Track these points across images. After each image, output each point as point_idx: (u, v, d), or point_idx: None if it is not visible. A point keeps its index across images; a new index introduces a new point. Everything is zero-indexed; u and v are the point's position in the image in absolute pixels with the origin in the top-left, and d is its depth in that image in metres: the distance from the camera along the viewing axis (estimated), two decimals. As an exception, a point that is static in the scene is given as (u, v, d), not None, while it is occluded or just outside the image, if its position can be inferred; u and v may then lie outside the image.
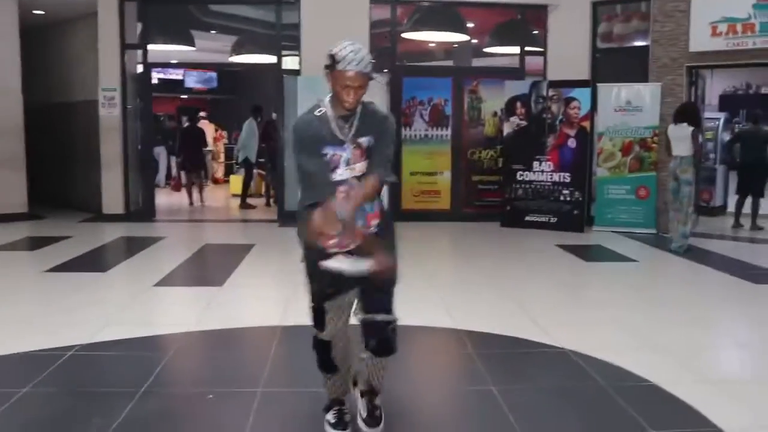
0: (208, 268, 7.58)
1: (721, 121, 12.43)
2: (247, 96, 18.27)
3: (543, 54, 11.13)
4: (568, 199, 9.97)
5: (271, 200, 13.11)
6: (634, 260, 7.92)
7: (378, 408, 3.24)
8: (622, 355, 4.38)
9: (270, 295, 6.22)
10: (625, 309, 5.86)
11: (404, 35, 11.34)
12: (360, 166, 2.94)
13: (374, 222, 2.96)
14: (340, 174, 2.91)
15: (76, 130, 11.85)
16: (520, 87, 10.48)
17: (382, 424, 3.20)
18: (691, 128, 8.12)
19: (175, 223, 10.76)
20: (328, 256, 2.83)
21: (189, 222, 11.22)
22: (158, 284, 6.39)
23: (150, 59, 11.21)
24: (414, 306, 4.83)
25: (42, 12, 11.59)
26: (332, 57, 2.80)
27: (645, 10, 10.20)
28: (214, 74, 20.08)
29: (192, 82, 19.85)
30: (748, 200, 10.18)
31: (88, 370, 4.19)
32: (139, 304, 5.78)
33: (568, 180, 9.95)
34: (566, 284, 6.95)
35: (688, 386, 3.87)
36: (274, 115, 13.37)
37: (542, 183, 10.13)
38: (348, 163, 2.92)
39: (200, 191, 13.51)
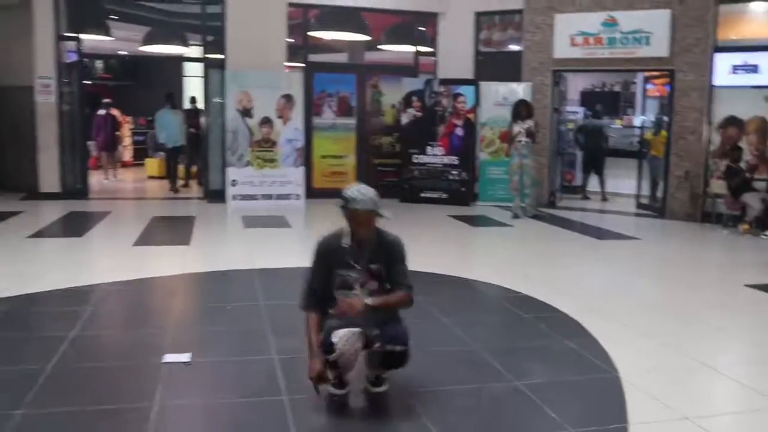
0: (169, 233, 8.97)
1: (581, 113, 14.80)
2: (149, 84, 19.14)
3: (434, 54, 13.06)
4: (457, 178, 11.95)
5: (189, 181, 14.31)
6: (510, 225, 9.96)
7: (383, 377, 3.72)
8: (504, 281, 6.37)
9: (233, 251, 7.84)
10: (503, 255, 8.05)
11: (313, 34, 12.86)
12: (372, 286, 3.53)
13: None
14: (356, 293, 3.51)
15: (5, 114, 12.57)
16: (415, 83, 12.37)
17: (386, 385, 3.73)
18: None
19: (111, 201, 11.85)
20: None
21: (123, 200, 12.36)
22: (136, 244, 7.81)
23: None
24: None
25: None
26: (345, 198, 3.42)
27: (518, 21, 12.26)
28: (116, 62, 20.75)
29: (97, 69, 20.50)
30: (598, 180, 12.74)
31: (124, 297, 5.71)
32: (131, 257, 7.24)
33: (456, 162, 11.92)
34: (459, 242, 9.00)
35: (546, 295, 5.88)
36: (192, 104, 14.54)
37: (434, 165, 12.04)
38: (362, 285, 3.52)
39: (114, 170, 15.09)
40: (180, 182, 13.70)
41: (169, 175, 13.58)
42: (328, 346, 3.42)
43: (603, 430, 3.42)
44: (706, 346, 4.84)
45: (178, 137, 13.49)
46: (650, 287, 6.59)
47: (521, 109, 10.48)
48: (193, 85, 17.56)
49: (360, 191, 3.44)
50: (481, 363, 4.28)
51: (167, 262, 7.05)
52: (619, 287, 6.62)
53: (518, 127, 10.38)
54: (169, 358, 4.14)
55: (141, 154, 18.18)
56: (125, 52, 17.30)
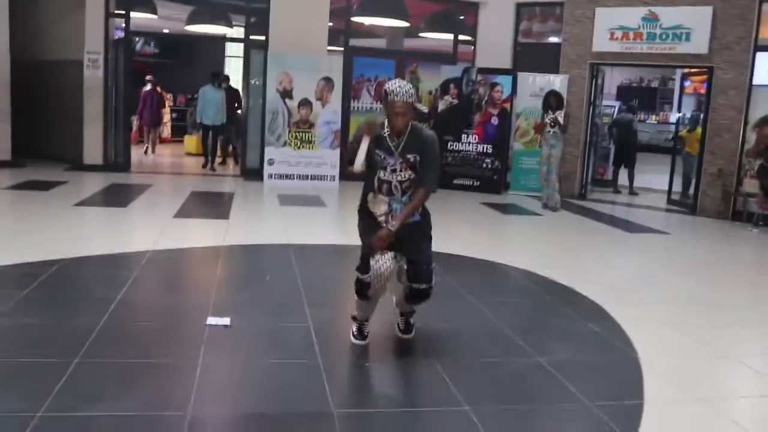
0: (209, 207, 9.30)
1: (616, 108, 14.83)
2: (189, 62, 19.48)
3: (473, 43, 13.18)
4: (490, 166, 12.10)
5: (227, 158, 14.61)
6: (540, 215, 10.10)
7: (411, 324, 4.32)
8: (532, 266, 6.54)
9: (270, 226, 8.13)
10: (532, 243, 8.22)
11: (355, 19, 13.04)
12: (403, 174, 3.88)
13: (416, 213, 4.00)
14: (385, 175, 3.89)
15: (53, 87, 12.95)
16: (453, 71, 12.51)
17: (413, 333, 4.33)
18: None
19: (151, 175, 12.17)
20: (378, 223, 3.93)
21: (162, 174, 12.69)
22: (176, 216, 8.12)
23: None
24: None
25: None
26: (385, 92, 3.78)
27: (559, 14, 12.32)
28: (158, 40, 21.12)
29: (139, 47, 20.90)
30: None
31: (167, 264, 6.02)
32: (172, 228, 7.53)
33: (490, 151, 12.06)
34: (490, 228, 9.19)
35: (573, 282, 6.03)
36: (225, 83, 14.68)
37: (468, 152, 12.20)
38: (394, 171, 3.86)
39: (154, 145, 15.53)
40: (217, 160, 13.92)
41: (205, 152, 13.57)
42: (364, 266, 3.92)
43: (619, 404, 3.59)
44: (728, 337, 4.97)
45: (218, 115, 13.54)
46: (676, 280, 6.70)
47: (551, 100, 10.53)
48: (234, 65, 17.91)
49: (398, 84, 3.78)
50: (506, 339, 4.48)
51: (207, 234, 7.34)
52: (645, 278, 6.75)
53: (547, 118, 10.47)
54: (212, 320, 4.40)
55: (178, 130, 18.56)
56: (167, 30, 17.59)
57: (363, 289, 3.98)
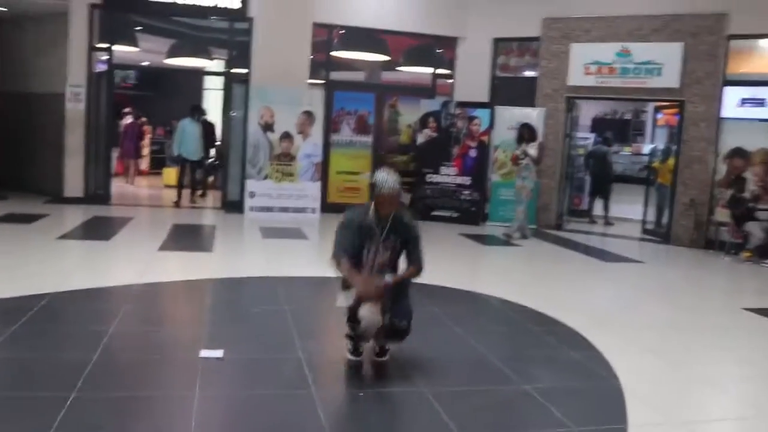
0: (192, 240, 9.35)
1: (592, 139, 15.14)
2: (168, 95, 19.55)
3: (451, 77, 13.45)
4: (468, 198, 12.30)
5: (206, 191, 14.63)
6: (519, 245, 10.29)
7: (386, 349, 4.57)
8: (513, 296, 6.70)
9: (254, 259, 8.21)
10: (512, 273, 8.43)
11: (336, 53, 13.24)
12: (383, 255, 4.32)
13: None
14: (369, 256, 4.31)
15: (35, 120, 12.98)
16: (432, 105, 12.76)
17: (387, 356, 4.56)
18: None
19: (132, 207, 12.19)
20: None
21: (143, 207, 12.74)
22: (161, 249, 8.18)
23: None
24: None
25: (4, 9, 12.70)
26: (372, 184, 4.25)
27: (535, 48, 12.63)
28: (138, 72, 21.19)
29: (119, 79, 20.97)
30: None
31: (156, 297, 6.08)
32: (158, 261, 7.60)
33: (468, 183, 12.27)
34: (470, 259, 9.36)
35: (553, 310, 6.20)
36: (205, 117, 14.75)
37: (447, 185, 12.40)
38: (376, 252, 4.30)
39: (134, 176, 15.79)
40: (198, 192, 13.92)
41: (179, 187, 13.27)
42: (354, 317, 4.25)
43: (604, 429, 3.74)
44: (705, 361, 5.16)
45: (198, 149, 13.48)
46: (653, 307, 6.89)
47: (524, 132, 10.79)
48: (213, 98, 18.03)
49: (385, 178, 4.20)
50: (493, 368, 4.62)
51: (193, 267, 7.41)
52: (622, 306, 6.97)
53: (518, 150, 10.71)
54: (205, 353, 4.48)
55: (157, 163, 18.56)
56: (147, 63, 17.69)
57: (356, 331, 4.35)
